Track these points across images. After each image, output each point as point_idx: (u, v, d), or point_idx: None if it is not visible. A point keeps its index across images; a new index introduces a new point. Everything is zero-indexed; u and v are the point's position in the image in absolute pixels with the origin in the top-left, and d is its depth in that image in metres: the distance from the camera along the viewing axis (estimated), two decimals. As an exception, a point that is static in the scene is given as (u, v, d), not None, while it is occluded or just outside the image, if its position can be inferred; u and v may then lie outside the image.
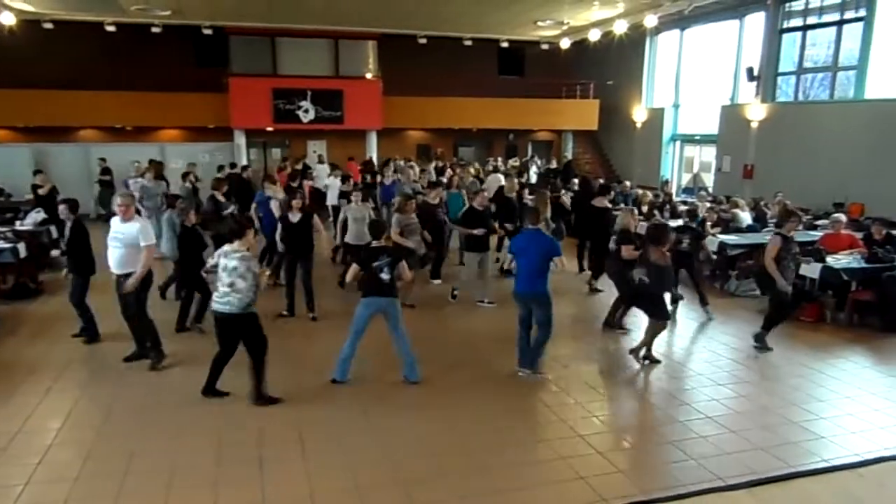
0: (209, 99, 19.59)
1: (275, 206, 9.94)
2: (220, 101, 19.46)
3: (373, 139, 21.52)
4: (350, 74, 20.77)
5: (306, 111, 19.98)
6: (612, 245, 8.58)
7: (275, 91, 19.67)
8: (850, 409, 6.18)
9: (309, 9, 17.22)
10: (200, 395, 6.06)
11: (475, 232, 9.49)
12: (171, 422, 5.69)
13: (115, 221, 6.87)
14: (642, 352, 7.35)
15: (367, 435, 5.50)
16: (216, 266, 5.90)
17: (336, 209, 12.99)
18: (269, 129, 20.74)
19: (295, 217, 8.65)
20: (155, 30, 18.54)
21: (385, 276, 6.30)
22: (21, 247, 9.90)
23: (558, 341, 7.47)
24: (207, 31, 19.08)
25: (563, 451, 5.29)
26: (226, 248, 5.90)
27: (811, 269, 9.01)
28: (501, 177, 16.19)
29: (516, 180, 14.08)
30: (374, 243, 6.52)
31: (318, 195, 14.93)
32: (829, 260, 9.24)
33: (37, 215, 12.02)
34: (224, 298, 5.75)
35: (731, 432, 5.68)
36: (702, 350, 7.90)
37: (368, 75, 21.19)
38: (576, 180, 15.60)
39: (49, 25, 17.87)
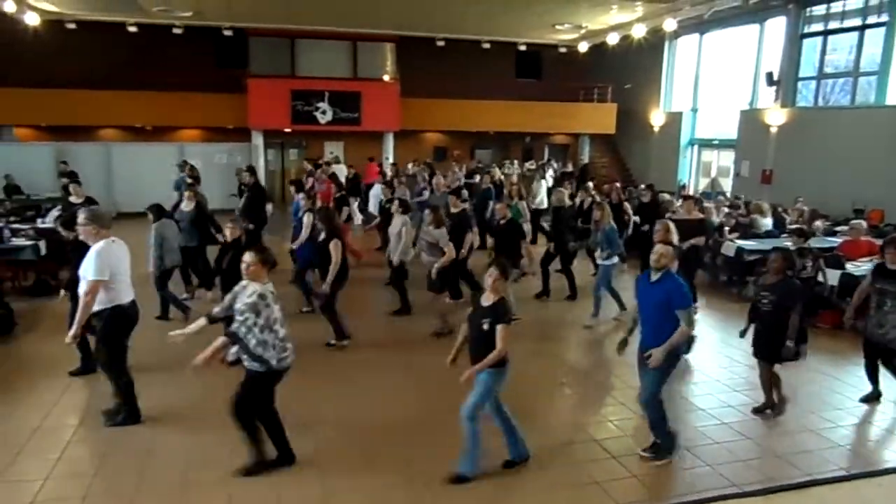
0: (228, 99, 19.74)
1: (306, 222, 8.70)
2: (239, 102, 19.61)
3: (390, 141, 21.60)
4: (368, 76, 20.88)
5: (324, 112, 20.07)
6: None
7: (293, 92, 19.79)
8: (869, 418, 6.11)
9: (328, 10, 17.33)
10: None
11: None
12: (190, 418, 5.73)
13: None
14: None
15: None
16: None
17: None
18: (287, 130, 20.86)
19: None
20: (176, 31, 18.74)
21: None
22: (42, 244, 10.03)
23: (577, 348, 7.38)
24: (228, 33, 19.26)
25: (577, 456, 5.29)
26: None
27: (830, 276, 8.92)
28: (544, 183, 15.64)
29: (566, 190, 11.83)
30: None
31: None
32: (849, 267, 9.15)
33: (57, 213, 12.14)
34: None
35: (747, 439, 5.63)
36: (717, 355, 7.83)
37: (386, 77, 21.26)
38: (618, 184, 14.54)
39: (72, 26, 18.08)
